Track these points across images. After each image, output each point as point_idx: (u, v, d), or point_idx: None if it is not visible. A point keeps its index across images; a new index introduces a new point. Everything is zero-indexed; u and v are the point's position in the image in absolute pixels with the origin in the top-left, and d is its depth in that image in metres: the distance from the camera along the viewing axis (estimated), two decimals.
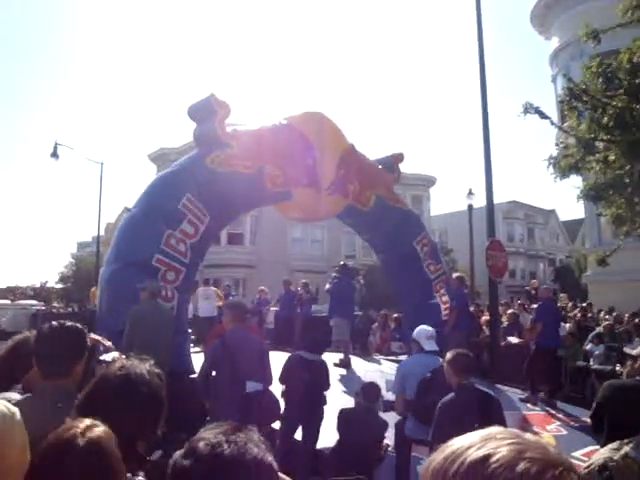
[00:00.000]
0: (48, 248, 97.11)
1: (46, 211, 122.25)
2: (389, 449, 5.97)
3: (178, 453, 1.38)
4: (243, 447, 1.33)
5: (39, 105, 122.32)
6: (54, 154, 23.91)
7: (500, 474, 0.81)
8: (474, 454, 0.86)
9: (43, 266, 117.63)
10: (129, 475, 1.80)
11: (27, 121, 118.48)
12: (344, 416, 5.98)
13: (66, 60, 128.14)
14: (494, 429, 0.92)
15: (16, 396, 2.61)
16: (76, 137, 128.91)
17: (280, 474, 1.61)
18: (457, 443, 0.90)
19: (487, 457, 0.84)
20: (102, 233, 31.57)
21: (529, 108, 10.14)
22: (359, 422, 5.81)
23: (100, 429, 1.44)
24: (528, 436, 0.89)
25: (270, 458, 1.37)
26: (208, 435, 1.37)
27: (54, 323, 2.73)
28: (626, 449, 3.91)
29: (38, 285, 47.85)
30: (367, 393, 6.11)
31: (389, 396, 6.69)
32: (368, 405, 5.99)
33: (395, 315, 15.70)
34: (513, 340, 12.17)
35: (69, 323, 2.78)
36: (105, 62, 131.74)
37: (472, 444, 0.88)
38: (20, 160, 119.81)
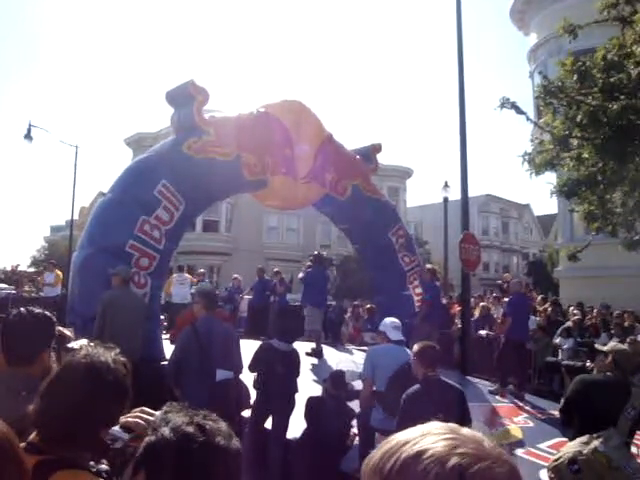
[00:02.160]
0: (20, 231, 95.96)
1: (19, 194, 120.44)
2: (356, 439, 6.01)
3: (148, 437, 1.37)
4: (213, 432, 1.35)
5: (13, 86, 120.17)
6: (28, 136, 23.51)
7: (432, 469, 0.82)
8: (408, 450, 0.86)
9: (15, 249, 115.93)
10: (92, 463, 1.80)
11: (1, 102, 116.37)
12: (311, 404, 6.00)
13: (42, 40, 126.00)
14: (433, 424, 0.92)
15: None
16: (51, 119, 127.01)
17: None
18: (395, 439, 0.91)
19: (421, 453, 0.85)
20: (76, 217, 31.23)
21: (505, 103, 10.19)
22: (326, 410, 5.85)
23: None
24: (465, 431, 0.90)
25: (237, 442, 1.39)
26: (176, 420, 1.37)
27: (22, 310, 2.71)
28: (595, 443, 3.99)
29: (9, 268, 47.14)
30: (335, 381, 6.14)
31: (357, 385, 6.74)
32: (335, 393, 6.02)
33: (368, 305, 15.78)
34: (483, 332, 12.32)
35: (37, 310, 2.77)
36: (82, 43, 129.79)
37: (408, 440, 0.88)
38: None
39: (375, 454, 0.91)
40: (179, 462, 1.31)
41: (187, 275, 15.42)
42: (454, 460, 0.82)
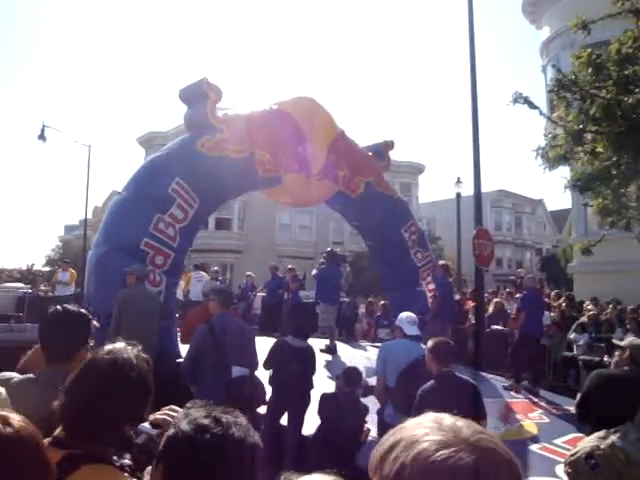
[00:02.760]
0: (35, 231, 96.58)
1: (33, 194, 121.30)
2: (370, 434, 6.02)
3: (169, 431, 1.41)
4: (228, 429, 1.38)
5: (27, 87, 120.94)
6: (41, 136, 23.64)
7: (400, 456, 0.87)
8: (391, 439, 0.92)
9: (30, 249, 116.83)
10: (115, 457, 1.83)
11: (14, 103, 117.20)
12: (325, 401, 6.02)
13: (55, 41, 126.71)
14: (429, 415, 0.96)
15: (17, 376, 2.64)
16: (64, 119, 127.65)
17: None
18: (395, 429, 0.95)
19: (396, 442, 0.90)
20: (90, 216, 31.43)
21: (518, 98, 10.14)
22: (340, 407, 5.85)
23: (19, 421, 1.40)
24: (449, 421, 0.92)
25: (255, 437, 1.42)
26: (195, 414, 1.42)
27: (58, 308, 2.75)
28: (613, 438, 3.97)
29: (25, 268, 47.50)
30: (347, 378, 6.15)
31: (373, 382, 6.75)
32: (349, 390, 6.03)
33: (382, 302, 15.78)
34: (497, 328, 12.29)
35: (73, 308, 2.81)
36: (94, 44, 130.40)
37: (398, 429, 0.93)
38: (7, 142, 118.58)
39: (373, 456, 0.95)
40: (194, 453, 1.34)
41: (203, 273, 15.49)
42: (418, 447, 0.86)
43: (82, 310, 2.85)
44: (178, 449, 1.37)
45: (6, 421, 1.34)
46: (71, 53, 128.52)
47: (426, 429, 0.90)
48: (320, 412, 5.99)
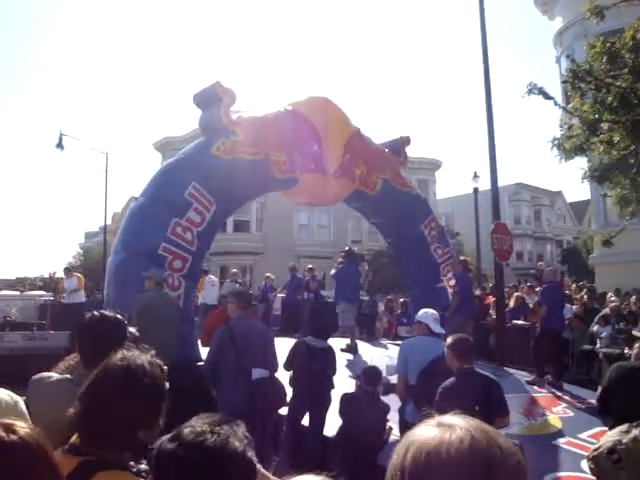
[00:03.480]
0: (56, 239, 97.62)
1: (53, 202, 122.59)
2: (392, 432, 6.00)
3: (164, 437, 1.45)
4: (225, 440, 1.41)
5: (44, 95, 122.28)
6: (59, 145, 23.89)
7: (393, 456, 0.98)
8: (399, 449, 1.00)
9: (51, 257, 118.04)
10: (132, 463, 1.84)
11: (32, 112, 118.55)
12: (345, 401, 6.02)
13: (70, 50, 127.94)
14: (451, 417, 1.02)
15: (56, 375, 2.69)
16: (81, 128, 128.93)
17: (262, 470, 1.68)
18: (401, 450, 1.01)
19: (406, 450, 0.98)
20: (109, 223, 31.67)
21: (533, 89, 10.08)
22: (360, 406, 5.85)
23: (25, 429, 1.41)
24: (448, 420, 1.00)
25: (250, 454, 1.44)
26: (195, 424, 1.45)
27: (95, 313, 2.80)
28: (635, 432, 3.93)
29: (47, 276, 48.03)
30: (368, 377, 6.14)
31: (394, 380, 6.73)
32: (370, 389, 6.02)
33: (402, 300, 15.76)
34: (519, 322, 12.20)
35: (110, 313, 2.85)
36: (109, 51, 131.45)
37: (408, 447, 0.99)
38: (26, 151, 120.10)
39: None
40: (192, 463, 1.38)
41: (214, 277, 15.57)
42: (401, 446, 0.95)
43: (118, 315, 2.87)
44: (161, 462, 1.42)
45: (10, 428, 1.36)
46: (87, 61, 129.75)
47: (432, 432, 0.95)
48: (341, 412, 5.99)
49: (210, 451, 1.38)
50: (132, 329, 3.12)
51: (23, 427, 1.39)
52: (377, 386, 6.10)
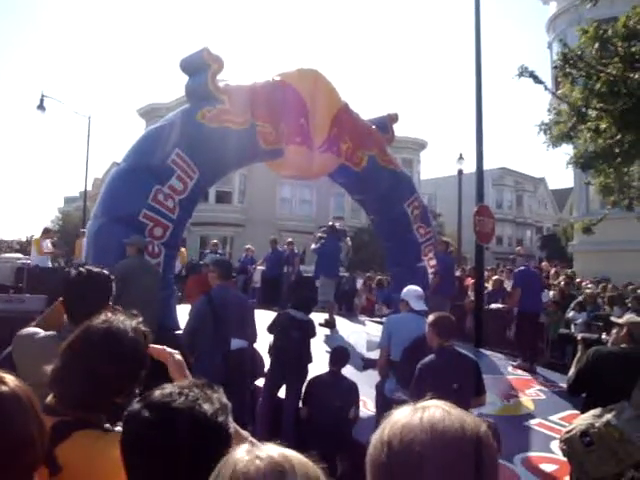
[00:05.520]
0: (34, 202, 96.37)
1: (33, 165, 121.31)
2: (367, 407, 6.06)
3: (135, 400, 1.44)
4: (193, 402, 1.39)
5: (26, 56, 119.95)
6: (40, 106, 23.52)
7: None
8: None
9: (29, 220, 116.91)
10: (107, 425, 1.82)
11: (13, 72, 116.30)
12: (309, 387, 6.09)
13: (54, 9, 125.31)
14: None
15: (41, 332, 2.68)
16: (64, 90, 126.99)
17: (241, 431, 1.67)
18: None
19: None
20: (89, 188, 31.35)
21: (524, 72, 10.06)
22: (324, 388, 5.92)
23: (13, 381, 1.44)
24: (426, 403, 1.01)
25: (223, 418, 1.41)
26: (166, 386, 1.45)
27: (82, 270, 2.83)
28: (608, 416, 3.98)
29: (24, 239, 47.55)
30: (332, 357, 6.20)
31: (374, 355, 6.77)
32: (333, 369, 6.09)
33: (378, 277, 15.94)
34: (495, 306, 12.32)
35: (96, 270, 2.88)
36: (95, 13, 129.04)
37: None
38: (5, 112, 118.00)
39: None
40: (158, 424, 1.37)
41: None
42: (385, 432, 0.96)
43: (104, 271, 2.90)
44: (128, 423, 1.42)
45: (1, 380, 1.39)
46: (71, 21, 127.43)
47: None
48: (304, 401, 6.07)
49: (176, 411, 1.36)
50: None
51: (12, 379, 1.42)
52: (342, 366, 6.16)
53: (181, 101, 16.95)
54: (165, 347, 2.04)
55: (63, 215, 52.45)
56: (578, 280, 15.40)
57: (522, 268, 10.26)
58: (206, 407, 1.39)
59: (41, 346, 2.53)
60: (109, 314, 1.95)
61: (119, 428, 1.83)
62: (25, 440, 1.36)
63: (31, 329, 2.74)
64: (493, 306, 12.39)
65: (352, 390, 6.02)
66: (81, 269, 2.84)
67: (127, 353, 1.85)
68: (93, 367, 1.78)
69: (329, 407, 5.73)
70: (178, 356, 2.03)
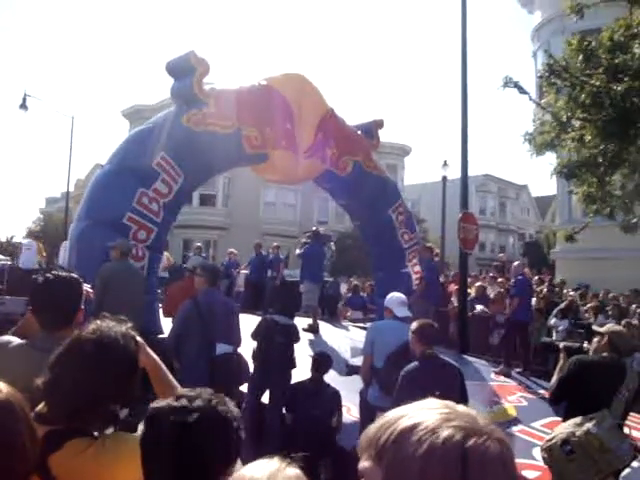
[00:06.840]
0: (16, 202, 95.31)
1: (14, 165, 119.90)
2: (351, 413, 6.05)
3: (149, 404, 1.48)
4: (215, 405, 1.53)
5: (9, 54, 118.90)
6: (23, 105, 23.29)
7: (426, 440, 0.86)
8: (405, 422, 0.91)
9: (10, 221, 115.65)
10: (96, 433, 1.81)
11: None
12: (289, 395, 6.06)
13: (36, 8, 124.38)
14: (430, 401, 0.97)
15: (15, 340, 2.60)
16: (47, 89, 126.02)
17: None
18: (392, 413, 0.95)
19: (416, 425, 0.89)
20: (72, 189, 31.11)
21: (508, 82, 10.13)
22: (304, 396, 5.88)
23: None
24: (460, 408, 0.94)
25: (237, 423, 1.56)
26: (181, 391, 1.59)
27: (49, 275, 2.70)
28: (588, 425, 4.02)
29: (4, 240, 47.04)
30: (314, 363, 6.16)
31: (357, 362, 6.77)
32: (315, 375, 6.05)
33: (354, 283, 16.05)
34: (479, 308, 12.37)
35: (64, 274, 2.77)
36: (80, 10, 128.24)
37: (405, 414, 0.93)
38: None
39: (371, 427, 0.96)
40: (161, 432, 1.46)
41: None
42: (447, 432, 0.87)
43: (73, 275, 2.79)
44: (151, 428, 1.49)
45: None
46: (55, 19, 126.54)
47: (444, 414, 0.91)
48: (287, 408, 6.04)
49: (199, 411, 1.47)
50: (87, 287, 3.06)
51: (5, 387, 1.43)
52: (324, 373, 6.13)
53: (166, 103, 16.91)
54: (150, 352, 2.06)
55: (45, 216, 52.00)
56: (558, 287, 15.51)
57: (521, 277, 10.34)
58: (223, 408, 1.53)
59: (14, 355, 2.46)
60: (98, 322, 1.93)
61: (109, 431, 1.83)
62: (17, 448, 1.35)
63: (5, 337, 2.65)
64: (477, 309, 12.41)
65: (334, 398, 6.00)
66: (47, 274, 2.70)
67: (118, 361, 1.84)
68: (84, 379, 1.76)
69: (311, 415, 5.71)
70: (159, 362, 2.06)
